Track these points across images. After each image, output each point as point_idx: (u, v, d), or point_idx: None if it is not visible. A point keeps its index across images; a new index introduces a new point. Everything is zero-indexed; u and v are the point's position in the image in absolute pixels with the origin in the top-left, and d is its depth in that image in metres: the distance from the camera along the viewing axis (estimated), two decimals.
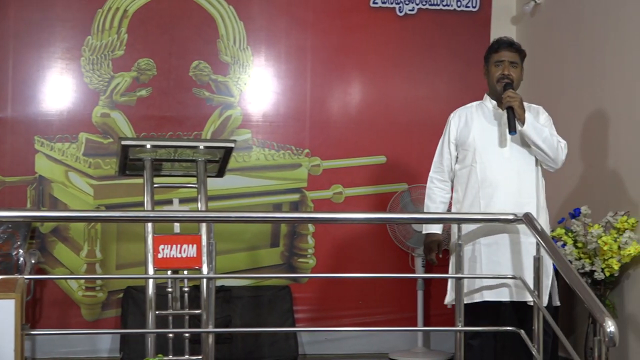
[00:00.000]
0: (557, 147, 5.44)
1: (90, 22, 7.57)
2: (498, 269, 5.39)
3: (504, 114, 5.46)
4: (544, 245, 4.93)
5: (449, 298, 5.56)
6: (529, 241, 5.33)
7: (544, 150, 5.42)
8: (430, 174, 5.85)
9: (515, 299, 5.39)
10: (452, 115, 5.85)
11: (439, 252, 5.71)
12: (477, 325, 5.40)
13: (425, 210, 5.82)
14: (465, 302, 5.34)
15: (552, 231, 6.61)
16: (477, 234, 5.49)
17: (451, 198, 5.80)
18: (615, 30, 6.73)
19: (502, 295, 5.39)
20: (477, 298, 5.43)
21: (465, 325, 5.25)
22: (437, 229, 5.71)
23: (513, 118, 5.38)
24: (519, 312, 5.48)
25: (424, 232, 5.79)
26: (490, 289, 5.39)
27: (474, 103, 5.80)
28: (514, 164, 5.49)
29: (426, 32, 8.08)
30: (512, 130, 5.38)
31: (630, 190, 6.46)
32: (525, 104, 5.55)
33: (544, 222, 5.49)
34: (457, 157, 5.73)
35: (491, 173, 5.50)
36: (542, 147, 5.41)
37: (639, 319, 6.30)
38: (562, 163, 5.52)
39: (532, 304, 5.12)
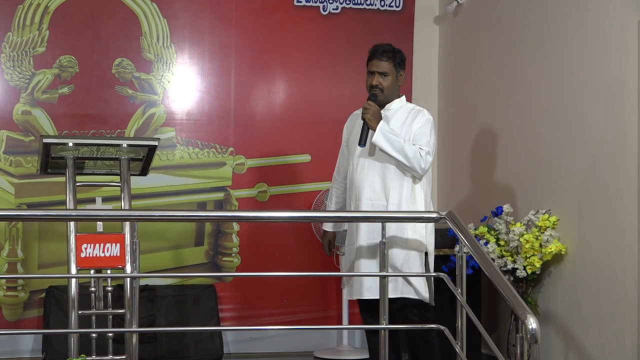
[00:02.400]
0: (413, 156, 5.56)
1: (11, 18, 7.47)
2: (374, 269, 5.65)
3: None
4: (467, 243, 4.98)
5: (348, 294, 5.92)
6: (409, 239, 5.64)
7: (397, 159, 5.58)
8: (333, 173, 6.14)
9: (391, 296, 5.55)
10: (348, 118, 6.11)
11: (332, 248, 6.14)
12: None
13: (327, 209, 6.13)
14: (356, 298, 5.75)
15: (475, 229, 6.69)
16: (359, 233, 5.75)
17: None
18: (536, 31, 6.82)
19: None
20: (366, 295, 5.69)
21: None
22: (329, 227, 6.09)
23: (366, 130, 5.62)
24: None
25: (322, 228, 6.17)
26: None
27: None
28: (377, 168, 5.69)
29: (350, 31, 8.11)
30: (361, 142, 5.63)
31: (551, 189, 6.55)
32: (409, 106, 5.83)
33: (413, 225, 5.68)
34: None
35: (358, 176, 5.75)
36: (395, 156, 5.57)
37: (561, 316, 6.39)
38: (424, 171, 5.64)
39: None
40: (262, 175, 7.87)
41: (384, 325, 5.23)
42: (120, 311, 5.67)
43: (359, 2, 8.10)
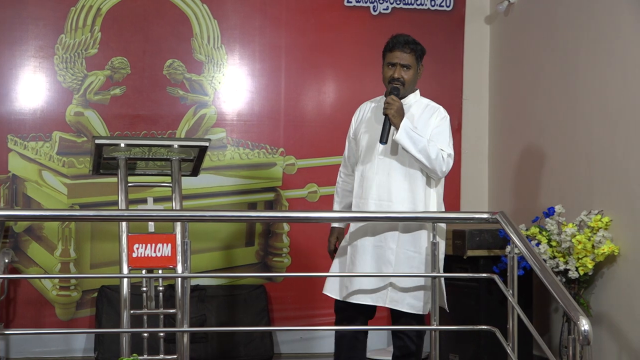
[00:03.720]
0: (435, 157, 5.27)
1: (64, 20, 7.54)
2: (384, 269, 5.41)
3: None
4: (520, 244, 4.95)
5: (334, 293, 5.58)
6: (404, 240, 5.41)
7: (419, 159, 5.27)
8: (340, 167, 5.85)
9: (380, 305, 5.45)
10: (358, 108, 5.78)
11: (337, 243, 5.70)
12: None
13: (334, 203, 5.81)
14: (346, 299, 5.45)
15: (527, 230, 6.64)
16: (365, 232, 5.46)
17: None
18: (589, 29, 6.76)
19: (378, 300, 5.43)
20: (360, 299, 5.44)
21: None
22: (337, 222, 5.74)
23: (388, 126, 5.28)
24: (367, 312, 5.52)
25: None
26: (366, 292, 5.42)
27: (377, 98, 5.67)
28: (388, 165, 5.41)
29: (400, 31, 8.05)
30: (383, 140, 5.30)
31: (603, 189, 6.49)
32: (424, 102, 5.54)
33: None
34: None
35: (368, 172, 5.45)
36: (418, 156, 5.25)
37: (613, 318, 6.33)
38: (444, 173, 5.36)
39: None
40: (313, 175, 7.88)
41: (434, 326, 5.21)
42: (171, 311, 5.69)
43: (409, 2, 8.08)
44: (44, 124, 7.49)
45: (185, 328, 5.14)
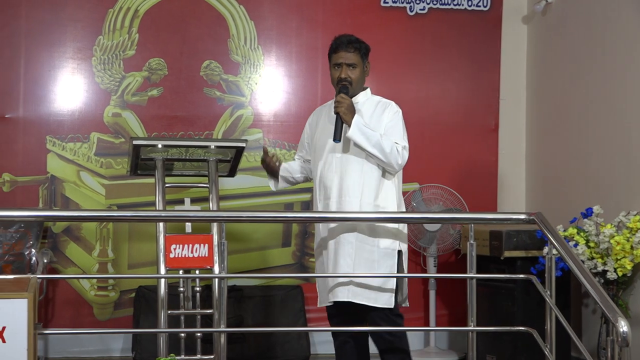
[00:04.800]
0: (390, 151, 5.27)
1: (102, 22, 7.59)
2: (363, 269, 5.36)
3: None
4: (556, 244, 4.93)
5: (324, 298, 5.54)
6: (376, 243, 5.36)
7: (374, 154, 5.26)
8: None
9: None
10: (312, 114, 5.79)
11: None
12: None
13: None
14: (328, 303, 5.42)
15: (565, 231, 6.61)
16: (332, 231, 5.44)
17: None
18: (626, 29, 6.72)
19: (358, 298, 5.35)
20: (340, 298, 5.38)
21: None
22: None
23: (340, 124, 5.27)
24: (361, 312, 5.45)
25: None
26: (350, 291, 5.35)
27: (329, 102, 5.63)
28: (347, 165, 5.37)
29: (437, 32, 8.08)
30: (336, 138, 5.27)
31: None
32: (375, 99, 5.52)
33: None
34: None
35: (327, 173, 5.43)
36: (372, 151, 5.24)
37: None
38: (400, 166, 5.37)
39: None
40: None
41: (471, 327, 5.20)
42: (208, 311, 5.72)
43: (446, 2, 8.06)
44: (82, 125, 7.54)
45: (222, 328, 5.15)
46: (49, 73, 7.52)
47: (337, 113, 5.28)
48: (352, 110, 5.28)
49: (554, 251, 5.01)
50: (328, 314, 5.59)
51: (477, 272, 5.30)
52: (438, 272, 7.60)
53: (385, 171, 5.40)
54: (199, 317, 5.86)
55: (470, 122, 8.08)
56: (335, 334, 5.57)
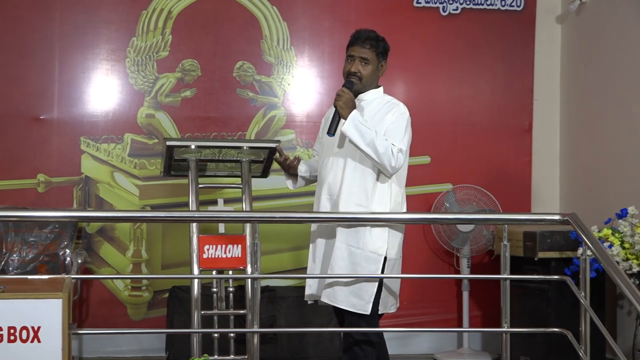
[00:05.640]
0: (384, 152, 5.07)
1: (135, 23, 7.62)
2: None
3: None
4: (590, 245, 4.90)
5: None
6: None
7: (366, 152, 5.07)
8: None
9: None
10: (330, 109, 5.54)
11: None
12: None
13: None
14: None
15: (599, 232, 6.57)
16: (320, 230, 5.32)
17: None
18: None
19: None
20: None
21: None
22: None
23: (337, 118, 5.13)
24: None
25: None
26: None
27: None
28: (342, 161, 5.24)
29: (470, 32, 8.05)
30: (330, 131, 5.15)
31: None
32: (386, 98, 5.36)
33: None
34: None
35: (322, 170, 5.32)
36: (365, 149, 5.05)
37: None
38: (394, 169, 5.14)
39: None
40: None
41: (505, 328, 5.18)
42: (241, 312, 5.73)
43: (479, 2, 8.03)
44: (115, 126, 7.57)
45: (256, 329, 5.16)
46: (83, 75, 7.56)
47: (335, 106, 5.17)
48: (350, 105, 5.13)
49: (589, 252, 4.99)
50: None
51: (511, 273, 5.29)
52: (471, 273, 7.58)
53: (381, 173, 5.23)
54: (232, 317, 5.87)
55: (503, 122, 8.05)
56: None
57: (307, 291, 5.34)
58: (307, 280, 5.38)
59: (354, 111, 5.11)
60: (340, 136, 5.18)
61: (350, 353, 5.17)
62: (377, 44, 5.30)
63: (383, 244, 5.20)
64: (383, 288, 5.22)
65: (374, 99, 5.34)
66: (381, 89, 5.41)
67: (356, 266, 5.15)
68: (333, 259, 5.16)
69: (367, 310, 5.12)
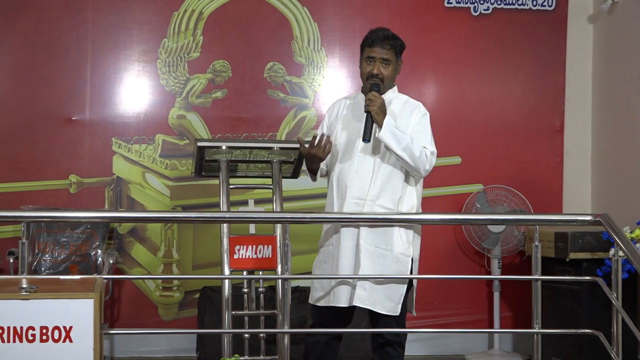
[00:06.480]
0: (419, 156, 5.05)
1: (167, 24, 7.65)
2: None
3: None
4: (622, 246, 4.88)
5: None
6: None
7: (403, 158, 5.04)
8: None
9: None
10: (331, 104, 5.54)
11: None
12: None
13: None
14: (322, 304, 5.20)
15: (631, 232, 6.53)
16: (339, 232, 5.23)
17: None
18: None
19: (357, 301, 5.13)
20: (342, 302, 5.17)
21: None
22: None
23: (370, 124, 5.04)
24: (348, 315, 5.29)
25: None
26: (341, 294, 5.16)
27: (352, 94, 5.49)
28: (369, 163, 5.16)
29: (501, 32, 8.03)
30: (365, 138, 5.04)
31: None
32: (403, 98, 5.30)
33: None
34: None
35: (347, 171, 5.20)
36: (401, 155, 5.03)
37: None
38: (427, 172, 5.13)
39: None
40: None
41: (536, 329, 5.16)
42: (272, 312, 5.73)
43: (510, 2, 8.01)
44: (147, 127, 7.61)
45: (286, 329, 5.16)
46: (114, 76, 7.60)
47: (368, 112, 5.07)
48: (384, 110, 5.07)
49: (620, 253, 4.96)
50: (313, 312, 5.33)
51: (542, 274, 5.27)
52: (502, 273, 7.55)
53: (409, 176, 5.21)
54: (262, 317, 5.88)
55: (535, 122, 8.02)
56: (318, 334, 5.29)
57: (334, 299, 5.18)
58: (324, 286, 5.24)
59: (388, 116, 5.05)
60: (374, 141, 5.11)
61: (382, 354, 5.17)
62: (395, 43, 5.25)
63: (409, 246, 5.19)
64: (413, 288, 5.23)
65: (392, 99, 5.27)
66: (396, 87, 5.36)
67: (385, 268, 5.12)
68: (362, 261, 5.11)
69: (397, 311, 5.12)
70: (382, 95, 5.17)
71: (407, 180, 5.20)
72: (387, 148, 5.06)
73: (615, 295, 4.96)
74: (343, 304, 5.14)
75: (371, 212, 5.13)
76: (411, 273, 5.18)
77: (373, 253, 5.12)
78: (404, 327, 5.27)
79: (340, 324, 5.25)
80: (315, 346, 5.27)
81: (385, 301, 5.11)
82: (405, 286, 5.16)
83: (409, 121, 5.20)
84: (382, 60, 5.20)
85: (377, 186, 5.15)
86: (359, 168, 5.17)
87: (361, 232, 5.13)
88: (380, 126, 5.04)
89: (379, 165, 5.16)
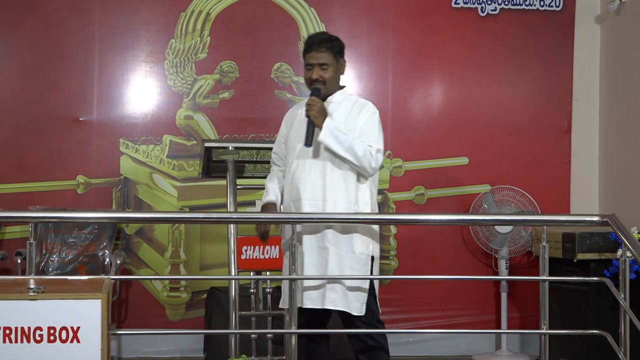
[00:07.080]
0: (363, 155, 5.06)
1: (174, 25, 7.66)
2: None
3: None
4: (630, 247, 4.87)
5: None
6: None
7: (346, 158, 5.05)
8: (272, 158, 5.52)
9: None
10: (288, 111, 5.53)
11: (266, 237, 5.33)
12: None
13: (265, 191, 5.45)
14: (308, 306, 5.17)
15: (639, 233, 6.52)
16: (307, 233, 5.22)
17: None
18: None
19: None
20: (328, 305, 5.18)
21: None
22: (273, 197, 5.36)
23: (312, 128, 5.07)
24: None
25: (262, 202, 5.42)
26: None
27: (304, 101, 5.35)
28: (319, 167, 5.16)
29: (508, 32, 8.02)
30: (307, 142, 5.08)
31: None
32: (353, 98, 5.33)
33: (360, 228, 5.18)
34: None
35: (299, 175, 5.19)
36: (344, 155, 5.05)
37: None
38: (374, 170, 5.14)
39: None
40: (420, 178, 7.85)
41: (543, 330, 5.16)
42: (279, 312, 5.73)
43: (517, 2, 8.00)
44: (154, 127, 7.62)
45: (293, 330, 5.16)
46: (122, 76, 7.61)
47: (308, 117, 5.09)
48: (323, 114, 5.09)
49: (628, 253, 4.96)
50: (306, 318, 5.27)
51: (550, 275, 5.26)
52: (510, 274, 7.54)
53: (360, 175, 5.19)
54: (269, 318, 5.88)
55: (542, 123, 8.01)
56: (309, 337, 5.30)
57: (306, 302, 5.17)
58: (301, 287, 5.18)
59: (328, 119, 5.08)
60: (317, 145, 5.12)
61: (372, 356, 5.21)
62: (331, 44, 5.25)
63: (369, 245, 5.19)
64: (376, 289, 5.22)
65: (341, 101, 5.28)
66: (346, 89, 5.37)
67: (346, 268, 5.14)
68: (330, 263, 5.13)
69: (362, 311, 5.13)
70: (330, 98, 5.23)
71: (358, 179, 5.20)
72: (329, 150, 5.09)
73: (622, 295, 4.96)
74: (316, 305, 5.14)
75: (371, 213, 5.17)
76: (371, 272, 5.19)
77: (337, 254, 5.13)
78: (379, 325, 5.26)
79: (316, 326, 5.25)
80: (307, 347, 5.29)
81: (354, 302, 5.13)
82: (368, 287, 5.17)
83: (357, 120, 5.22)
84: (319, 65, 5.20)
85: (332, 187, 5.15)
86: (310, 170, 5.17)
87: (326, 234, 5.13)
88: (320, 129, 5.06)
89: (330, 167, 5.15)
